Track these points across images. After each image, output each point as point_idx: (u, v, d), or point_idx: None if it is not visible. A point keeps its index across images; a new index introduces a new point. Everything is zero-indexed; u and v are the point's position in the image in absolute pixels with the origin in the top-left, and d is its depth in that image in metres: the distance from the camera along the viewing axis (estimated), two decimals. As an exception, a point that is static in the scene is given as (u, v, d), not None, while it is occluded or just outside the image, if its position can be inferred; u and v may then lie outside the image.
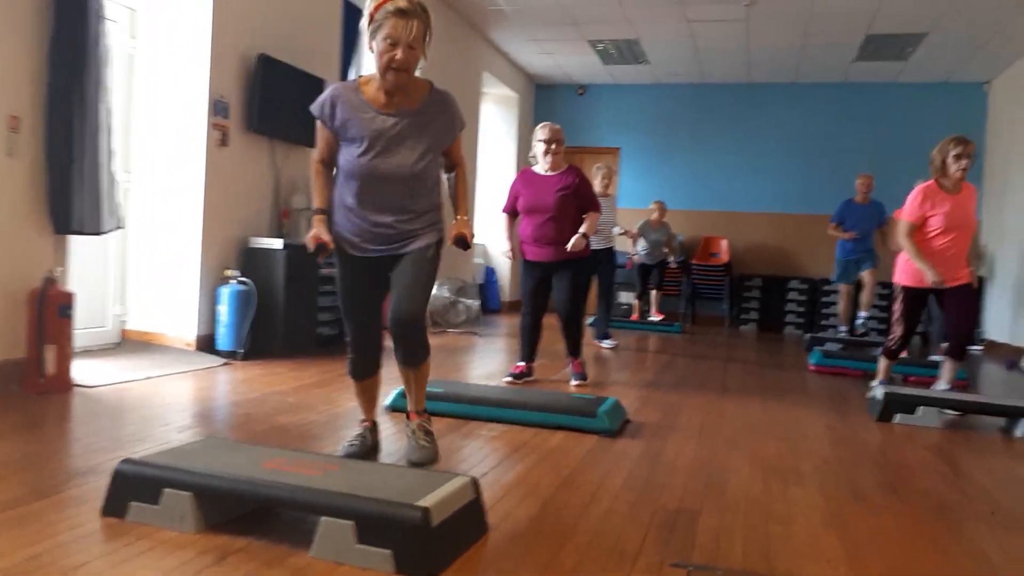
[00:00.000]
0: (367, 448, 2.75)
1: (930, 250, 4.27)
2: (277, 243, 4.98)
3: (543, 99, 10.66)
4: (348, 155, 2.51)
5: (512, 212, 4.59)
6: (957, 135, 4.37)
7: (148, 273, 4.83)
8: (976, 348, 8.49)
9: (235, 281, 4.77)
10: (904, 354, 4.71)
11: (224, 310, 4.70)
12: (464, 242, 2.60)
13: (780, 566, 1.98)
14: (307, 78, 5.41)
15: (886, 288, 9.02)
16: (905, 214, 4.39)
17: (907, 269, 4.41)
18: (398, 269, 2.57)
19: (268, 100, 5.07)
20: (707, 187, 10.11)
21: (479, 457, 2.87)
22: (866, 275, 7.54)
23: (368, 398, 2.82)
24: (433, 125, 2.54)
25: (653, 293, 8.80)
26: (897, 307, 4.48)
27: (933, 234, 4.28)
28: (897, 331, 4.47)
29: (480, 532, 2.04)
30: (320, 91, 2.69)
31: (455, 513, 1.91)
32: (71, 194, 3.78)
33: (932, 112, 9.44)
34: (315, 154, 2.62)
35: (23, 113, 3.62)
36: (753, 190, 10.00)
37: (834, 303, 8.95)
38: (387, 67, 2.39)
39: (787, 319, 9.57)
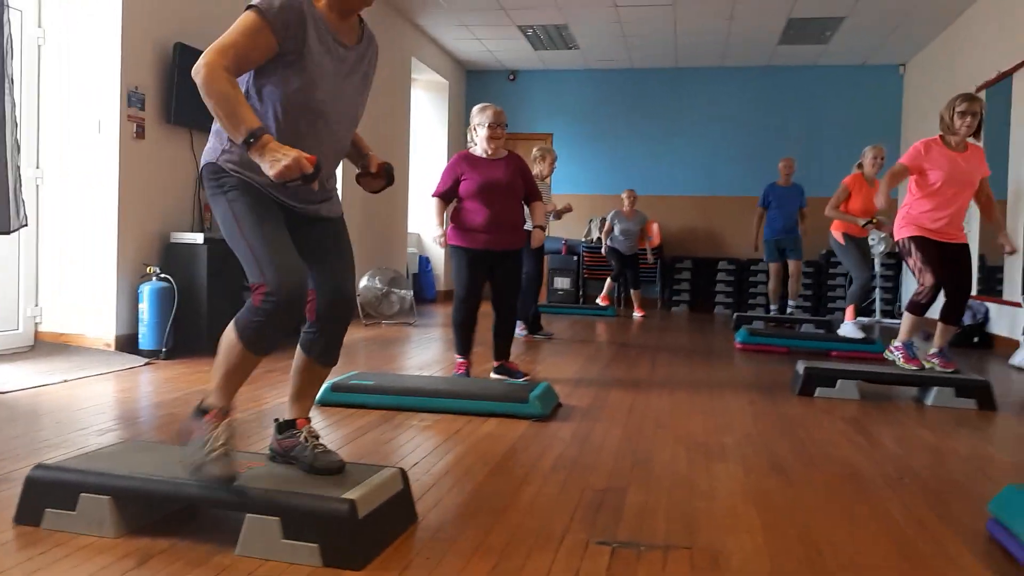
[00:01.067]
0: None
1: (928, 205, 4.21)
2: (198, 237, 4.86)
3: (474, 85, 10.64)
4: (288, 85, 1.97)
5: (445, 196, 4.21)
6: (965, 92, 4.26)
7: (62, 272, 4.66)
8: (895, 321, 8.85)
9: (155, 278, 4.64)
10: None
11: (145, 308, 4.57)
12: (391, 174, 2.24)
13: (702, 539, 2.04)
14: (227, 67, 5.26)
15: (810, 267, 9.34)
16: (902, 157, 4.31)
17: (904, 221, 4.33)
18: (323, 239, 2.14)
19: (187, 90, 4.92)
20: (639, 171, 10.26)
21: (410, 448, 2.87)
22: (791, 265, 7.78)
23: (245, 380, 2.13)
24: (369, 65, 2.17)
25: (633, 292, 8.72)
26: (912, 260, 4.27)
27: (932, 189, 4.18)
28: (925, 280, 4.20)
29: (409, 522, 2.05)
30: None
31: (382, 504, 1.91)
32: (-24, 191, 3.62)
33: (852, 94, 9.78)
34: (225, 59, 1.87)
35: (-81, 107, 3.43)
36: (683, 174, 10.19)
37: (762, 282, 9.23)
38: None
39: (717, 299, 9.82)
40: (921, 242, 4.24)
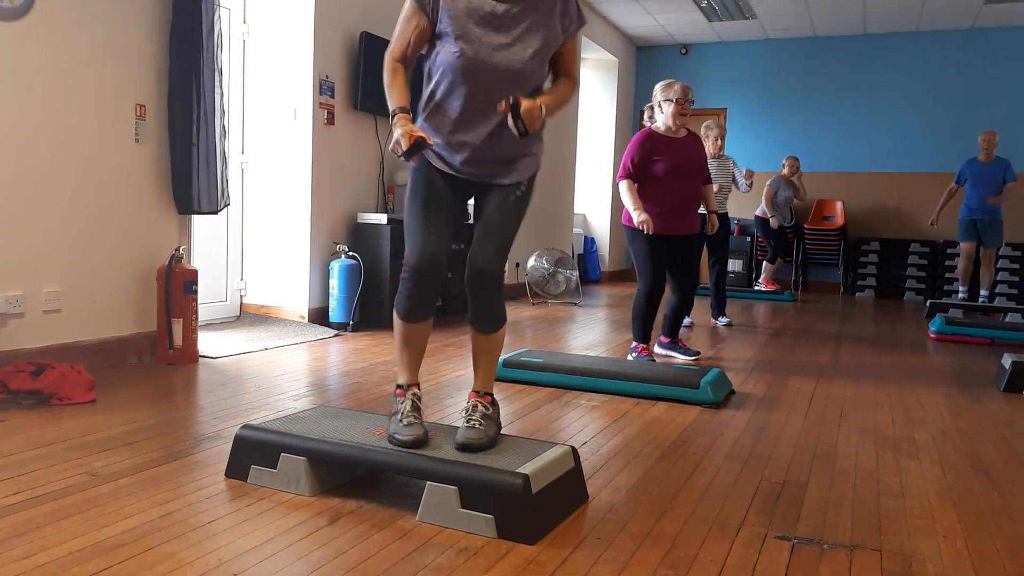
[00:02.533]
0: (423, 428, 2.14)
1: None
2: (383, 218, 5.13)
3: (644, 61, 10.43)
4: (439, 53, 2.12)
5: (637, 177, 3.99)
6: None
7: (264, 249, 5.09)
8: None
9: (344, 255, 4.95)
10: None
11: (335, 284, 4.90)
12: (517, 108, 2.01)
13: (892, 540, 1.91)
14: (407, 54, 5.49)
15: (1016, 251, 8.43)
16: None
17: None
18: (484, 207, 2.22)
19: (372, 78, 5.19)
20: (820, 147, 9.65)
21: (579, 427, 2.89)
22: (985, 253, 7.12)
23: (416, 352, 2.28)
24: (549, 16, 2.12)
25: (765, 264, 8.44)
26: None
27: None
28: None
29: (580, 500, 2.07)
30: (421, 67, 2.27)
31: (555, 481, 1.94)
32: (191, 176, 4.01)
33: (1074, 56, 8.65)
34: (391, 49, 2.19)
35: (148, 101, 3.85)
36: (870, 149, 9.47)
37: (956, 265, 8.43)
38: None
39: (907, 284, 9.08)
40: None
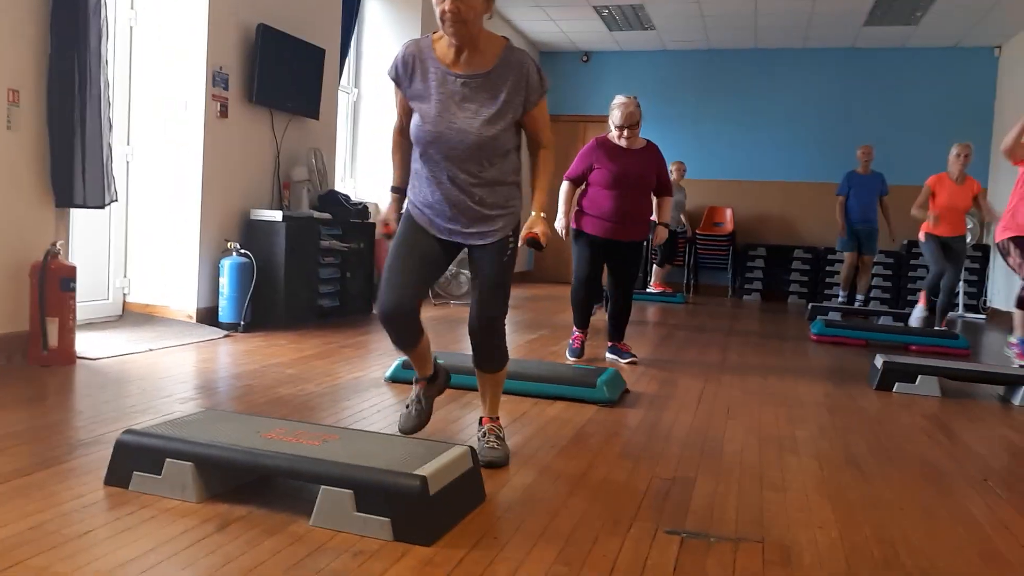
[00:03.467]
0: (427, 415, 2.60)
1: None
2: (277, 215, 4.99)
3: (546, 66, 10.56)
4: (416, 120, 2.31)
5: (576, 180, 4.25)
6: None
7: (150, 246, 4.85)
8: (979, 317, 8.49)
9: (235, 253, 4.79)
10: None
11: (225, 282, 4.72)
12: (536, 243, 2.30)
13: (773, 532, 2.00)
14: (307, 48, 5.37)
15: (890, 258, 9.04)
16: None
17: (1009, 223, 4.47)
18: (480, 266, 2.37)
19: (268, 71, 5.04)
20: (713, 156, 10.04)
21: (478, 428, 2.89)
22: (864, 259, 7.65)
23: (418, 357, 2.53)
24: (506, 88, 2.27)
25: (658, 269, 8.71)
26: (1015, 259, 4.50)
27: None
28: None
29: (478, 500, 2.07)
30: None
31: (453, 482, 1.94)
32: (72, 167, 3.79)
33: (942, 78, 9.33)
34: (394, 124, 2.45)
35: (23, 86, 3.61)
36: (759, 159, 9.93)
37: (839, 272, 8.96)
38: (441, 19, 2.18)
39: (791, 288, 9.57)
40: (1020, 241, 4.33)
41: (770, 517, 2.11)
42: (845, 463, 2.66)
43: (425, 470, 1.86)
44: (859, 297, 7.86)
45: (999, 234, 4.45)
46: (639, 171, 4.14)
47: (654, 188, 4.28)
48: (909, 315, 6.98)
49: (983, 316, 8.52)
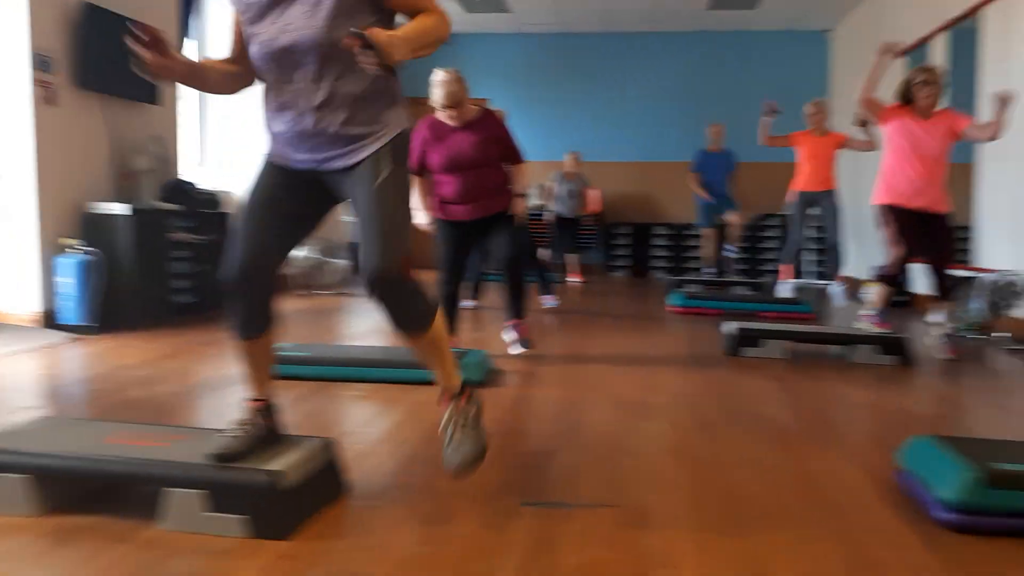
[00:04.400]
0: (256, 439, 1.93)
1: (897, 172, 4.31)
2: (120, 208, 4.70)
3: (408, 50, 10.43)
4: (250, 44, 1.91)
5: (418, 172, 3.94)
6: (924, 65, 4.34)
7: (-22, 246, 4.46)
8: (828, 282, 9.15)
9: (77, 250, 4.48)
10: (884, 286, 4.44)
11: (68, 282, 4.42)
12: (363, 37, 1.63)
13: (628, 496, 2.10)
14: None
15: (745, 231, 9.57)
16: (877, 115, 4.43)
17: (883, 187, 4.35)
18: (353, 201, 1.94)
19: (96, 53, 4.71)
20: (576, 138, 10.25)
21: (344, 418, 2.86)
22: (729, 216, 7.96)
23: (257, 367, 2.02)
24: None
25: (569, 257, 8.72)
26: (886, 230, 4.35)
27: (898, 156, 4.31)
28: (894, 253, 4.31)
29: (340, 492, 2.05)
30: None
31: (310, 474, 1.91)
32: None
33: (779, 60, 9.93)
34: None
35: None
36: (620, 139, 10.24)
37: (698, 247, 9.40)
38: None
39: (655, 264, 9.97)
40: (894, 213, 4.32)
41: (626, 482, 2.21)
42: (696, 426, 2.82)
43: (279, 464, 1.83)
44: (730, 247, 8.18)
45: (875, 197, 4.42)
46: (474, 147, 3.85)
47: (501, 158, 4.00)
48: (762, 284, 7.42)
49: (832, 272, 9.18)
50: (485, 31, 10.19)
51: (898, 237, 4.32)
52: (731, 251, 8.23)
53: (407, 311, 1.93)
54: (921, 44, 6.80)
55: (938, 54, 6.51)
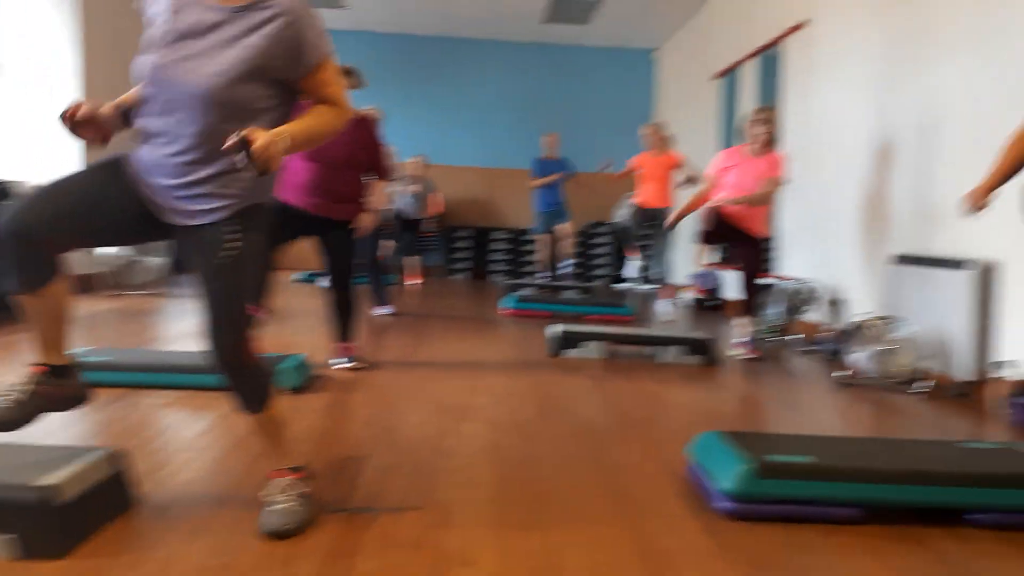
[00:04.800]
0: (32, 407, 1.77)
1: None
2: None
3: (241, 42, 10.00)
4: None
5: None
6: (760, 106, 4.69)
7: None
8: (652, 287, 9.65)
9: None
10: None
11: None
12: (246, 146, 1.58)
13: (436, 497, 2.11)
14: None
15: (579, 236, 9.92)
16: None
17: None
18: (196, 268, 1.81)
19: None
20: (419, 140, 10.21)
21: (143, 426, 2.69)
22: (561, 228, 8.25)
23: (41, 326, 1.78)
24: (263, 36, 1.77)
25: (409, 259, 8.61)
26: (701, 242, 4.80)
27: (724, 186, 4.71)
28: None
29: (126, 506, 1.92)
30: None
31: (89, 489, 1.77)
32: None
33: (611, 76, 10.39)
34: None
35: None
36: (462, 144, 10.32)
37: (534, 251, 9.65)
38: None
39: (494, 268, 10.13)
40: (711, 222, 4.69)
41: (436, 484, 2.22)
42: (512, 426, 2.88)
43: (53, 478, 1.69)
44: (567, 262, 8.43)
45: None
46: (344, 146, 3.70)
47: (366, 167, 3.90)
48: (591, 288, 7.72)
49: (654, 286, 9.69)
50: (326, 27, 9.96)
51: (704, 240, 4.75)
52: (567, 265, 8.49)
53: (245, 391, 1.90)
54: (735, 68, 7.34)
55: (748, 78, 7.06)
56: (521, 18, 9.18)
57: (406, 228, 8.39)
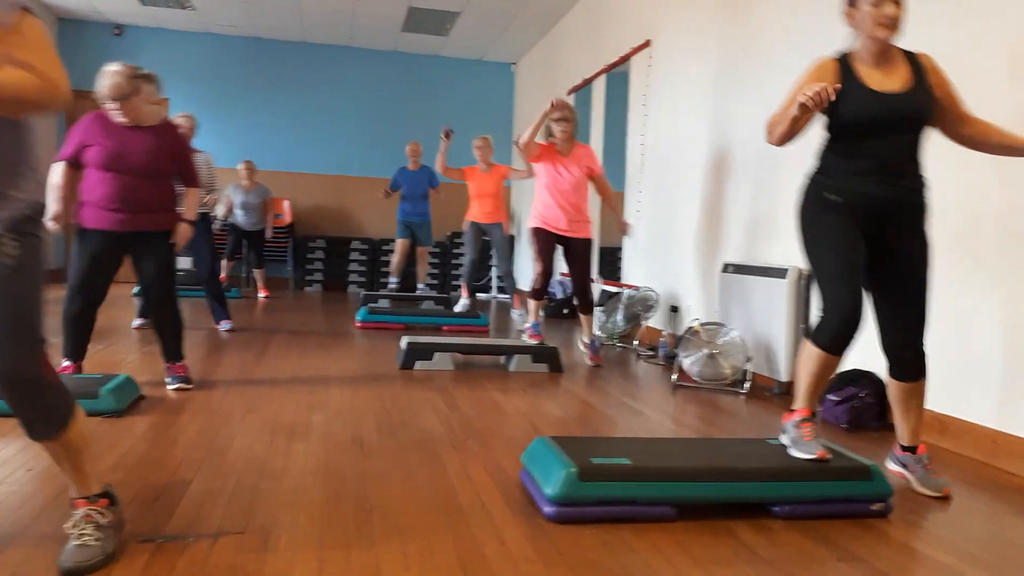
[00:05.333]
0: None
1: (544, 201, 4.79)
2: None
3: (69, 36, 9.32)
4: None
5: (70, 162, 3.49)
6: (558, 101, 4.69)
7: None
8: (507, 296, 9.79)
9: None
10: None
11: None
12: None
13: (258, 520, 2.04)
14: None
15: (437, 247, 9.92)
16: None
17: (534, 214, 4.84)
18: None
19: None
20: (268, 147, 9.92)
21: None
22: (419, 251, 8.17)
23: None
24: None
25: (256, 272, 8.29)
26: (535, 249, 4.82)
27: (544, 189, 4.78)
28: (537, 268, 4.79)
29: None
30: None
31: None
32: None
33: (471, 87, 10.49)
34: None
35: None
36: (315, 152, 10.09)
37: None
38: None
39: (350, 279, 9.93)
40: (539, 234, 4.80)
41: (260, 506, 2.15)
42: (350, 442, 2.83)
43: None
44: (421, 286, 8.34)
45: (528, 221, 4.95)
46: (147, 154, 3.48)
47: (174, 174, 3.70)
48: (448, 299, 7.74)
49: (509, 296, 9.84)
50: (165, 27, 9.48)
51: (539, 256, 4.78)
52: (420, 288, 8.37)
53: (33, 414, 1.73)
54: (587, 84, 7.59)
55: (599, 93, 7.32)
56: (380, 26, 9.10)
57: (248, 240, 8.10)
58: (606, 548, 1.96)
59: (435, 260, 10.06)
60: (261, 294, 8.33)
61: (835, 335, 2.37)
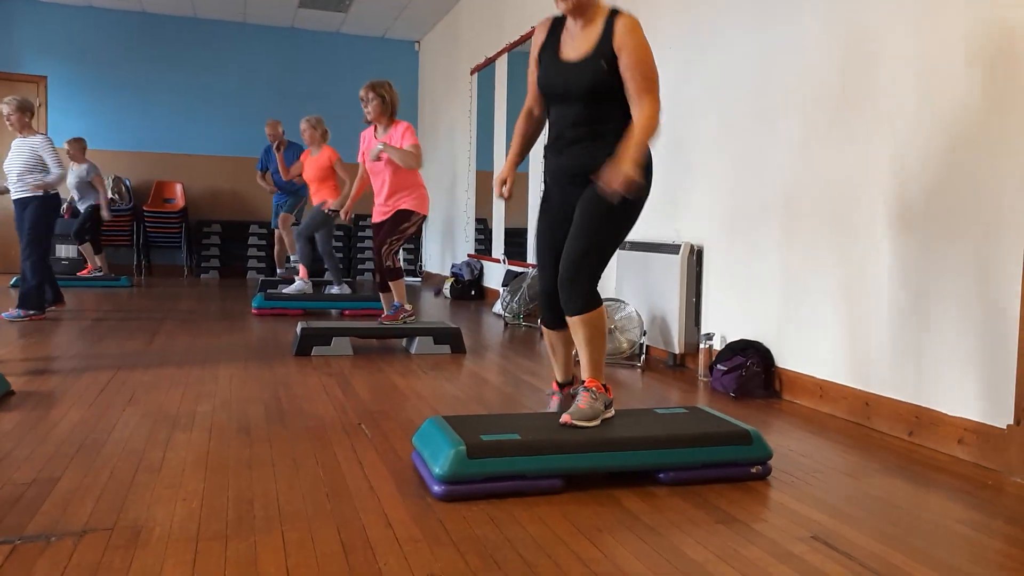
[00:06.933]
0: None
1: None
2: None
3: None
4: None
5: None
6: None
7: None
8: (416, 279, 9.70)
9: None
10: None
11: None
12: None
13: (129, 516, 1.94)
14: None
15: (338, 231, 9.69)
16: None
17: (419, 198, 4.74)
18: None
19: None
20: (156, 127, 9.47)
21: None
22: (283, 217, 7.73)
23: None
24: None
25: (84, 246, 7.93)
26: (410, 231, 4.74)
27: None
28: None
29: None
30: None
31: None
32: None
33: (373, 65, 10.26)
34: None
35: None
36: (208, 132, 9.69)
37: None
38: None
39: (249, 264, 9.61)
40: (377, 227, 4.74)
41: (133, 501, 2.04)
42: (236, 432, 2.74)
43: None
44: (292, 257, 7.76)
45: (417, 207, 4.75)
46: None
47: None
48: (352, 284, 7.57)
49: (419, 279, 9.75)
50: (44, 0, 8.88)
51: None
52: (293, 262, 8.02)
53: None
54: (489, 63, 7.54)
55: (501, 72, 7.28)
56: (275, 1, 8.77)
57: (89, 218, 7.77)
58: (493, 523, 1.96)
59: (339, 244, 9.84)
60: (91, 272, 8.11)
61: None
